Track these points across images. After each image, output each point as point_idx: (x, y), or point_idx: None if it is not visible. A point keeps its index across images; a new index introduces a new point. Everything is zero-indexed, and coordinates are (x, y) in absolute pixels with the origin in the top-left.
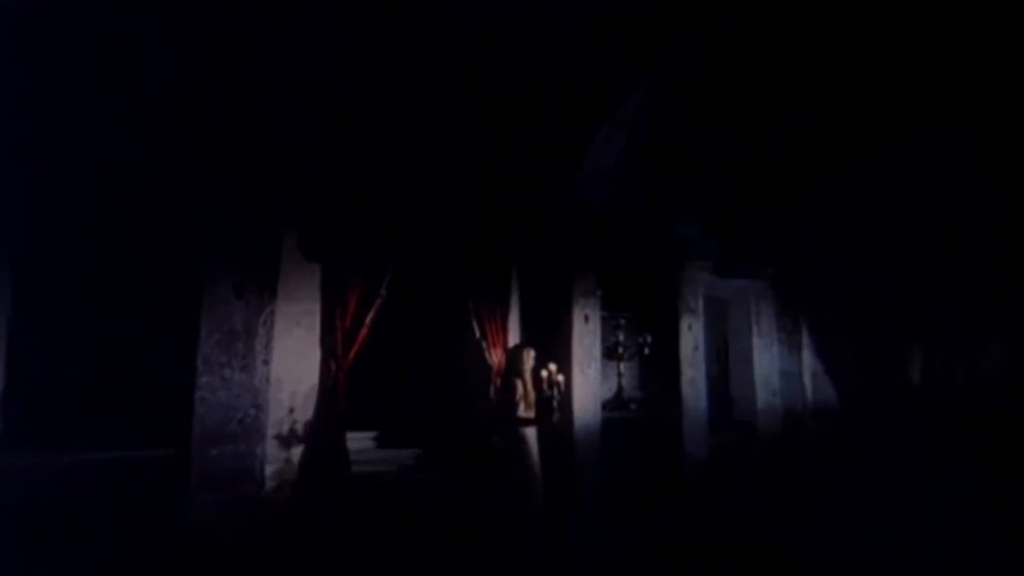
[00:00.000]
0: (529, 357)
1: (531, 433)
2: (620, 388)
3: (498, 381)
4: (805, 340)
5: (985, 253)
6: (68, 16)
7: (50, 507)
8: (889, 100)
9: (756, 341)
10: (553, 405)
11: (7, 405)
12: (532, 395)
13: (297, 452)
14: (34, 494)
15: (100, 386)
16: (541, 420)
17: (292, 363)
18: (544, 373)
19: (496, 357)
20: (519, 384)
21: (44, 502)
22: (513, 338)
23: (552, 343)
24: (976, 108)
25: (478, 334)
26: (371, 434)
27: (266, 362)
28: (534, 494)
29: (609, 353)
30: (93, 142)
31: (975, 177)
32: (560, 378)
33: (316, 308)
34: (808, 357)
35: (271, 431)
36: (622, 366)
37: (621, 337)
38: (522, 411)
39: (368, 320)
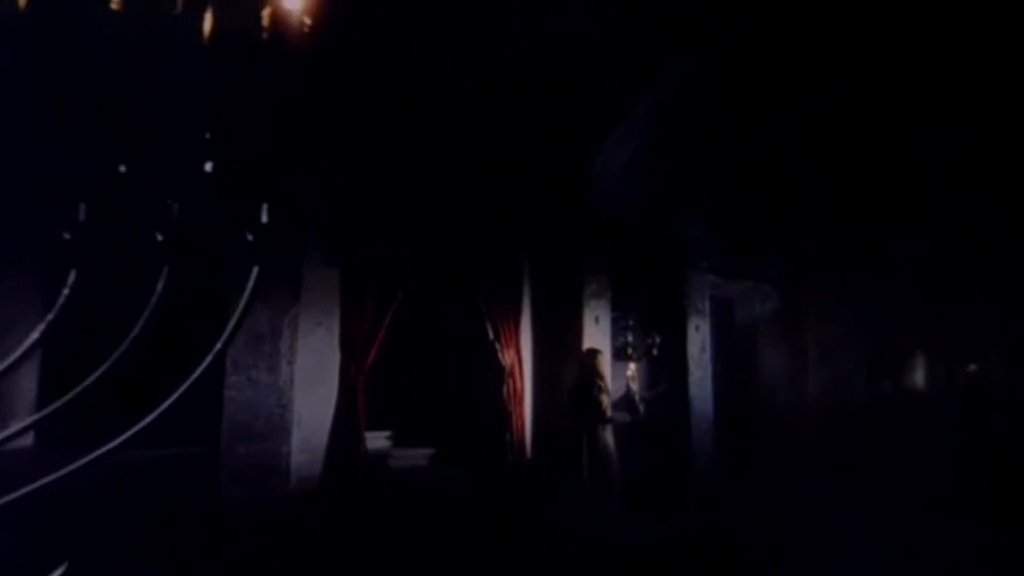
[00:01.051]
0: (605, 360)
1: (610, 431)
2: (629, 388)
3: (510, 382)
4: (809, 341)
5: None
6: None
7: (85, 502)
8: (895, 108)
9: (761, 341)
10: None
11: (42, 406)
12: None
13: (320, 449)
14: (70, 490)
15: (133, 386)
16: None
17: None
18: (629, 373)
19: (508, 358)
20: (603, 385)
21: (79, 497)
22: (526, 339)
23: (563, 344)
24: (977, 113)
25: (491, 335)
26: (386, 433)
27: (290, 363)
28: (616, 486)
29: (618, 353)
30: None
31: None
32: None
33: (336, 309)
34: (812, 358)
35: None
36: (631, 366)
37: (630, 338)
38: (611, 411)
39: (385, 322)
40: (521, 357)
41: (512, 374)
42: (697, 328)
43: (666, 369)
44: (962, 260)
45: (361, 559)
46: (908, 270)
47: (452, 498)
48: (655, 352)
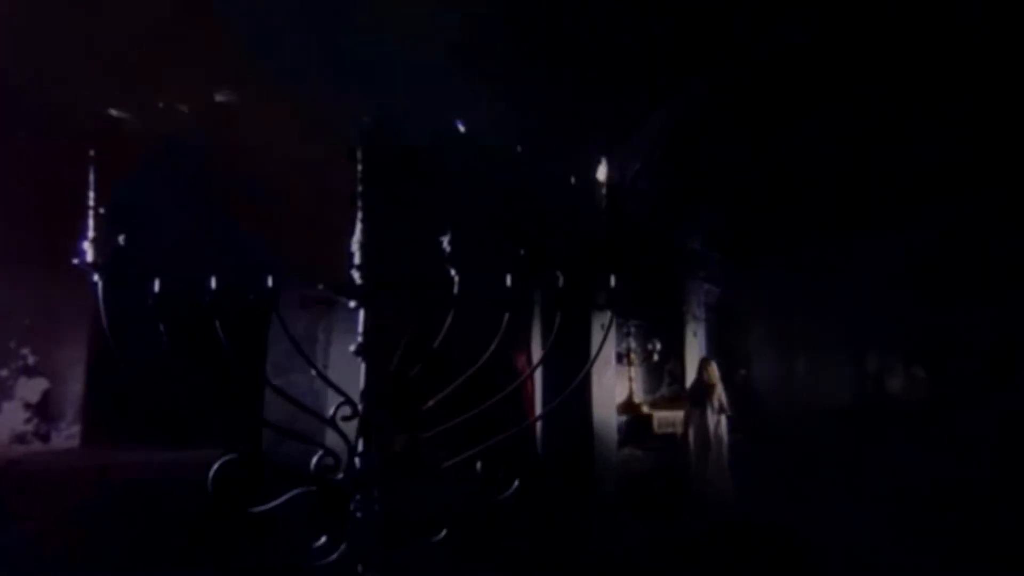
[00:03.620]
0: (715, 367)
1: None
2: (631, 392)
3: (522, 386)
4: (797, 347)
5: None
6: None
7: (139, 497)
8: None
9: (752, 348)
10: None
11: (88, 409)
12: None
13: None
14: (124, 486)
15: (181, 390)
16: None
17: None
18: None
19: (520, 363)
20: (719, 386)
21: (133, 493)
22: (536, 347)
23: (571, 349)
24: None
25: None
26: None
27: (324, 367)
28: (728, 466)
29: (620, 359)
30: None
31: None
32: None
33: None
34: (800, 364)
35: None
36: (632, 371)
37: (632, 343)
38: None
39: (406, 329)
40: (532, 362)
41: (523, 380)
42: (695, 334)
43: (666, 373)
44: (943, 270)
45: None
46: (891, 281)
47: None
48: (656, 357)
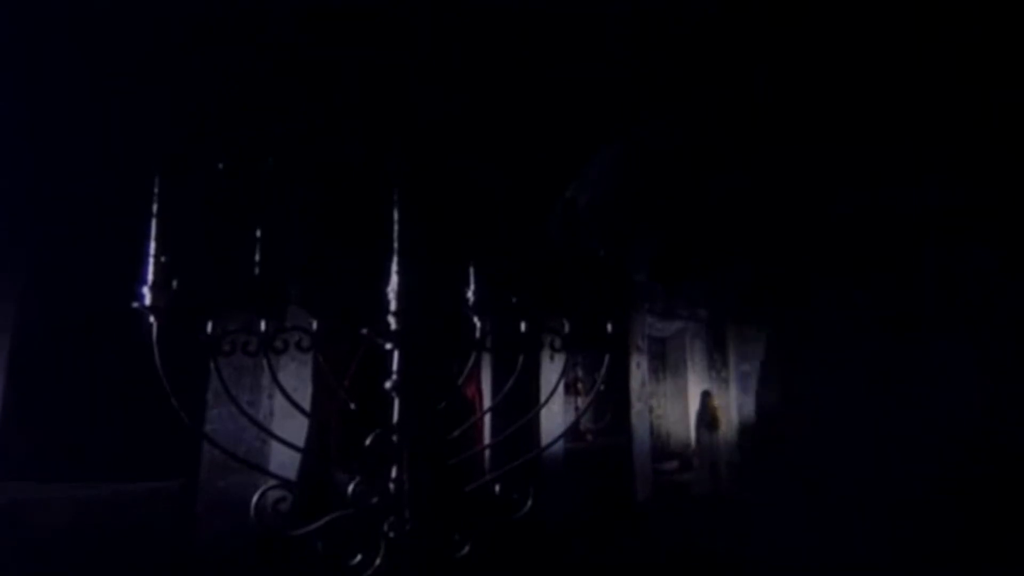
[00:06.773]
0: (715, 398)
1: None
2: (577, 420)
3: (471, 417)
4: (732, 376)
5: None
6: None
7: (63, 536)
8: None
9: (690, 377)
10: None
11: (5, 437)
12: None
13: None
14: (49, 524)
15: (112, 420)
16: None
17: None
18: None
19: (469, 393)
20: (720, 415)
21: (58, 531)
22: (486, 376)
23: (520, 381)
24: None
25: (453, 371)
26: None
27: (270, 396)
28: (723, 470)
29: (567, 388)
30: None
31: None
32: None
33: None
34: (734, 392)
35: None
36: (579, 400)
37: (580, 373)
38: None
39: (355, 359)
40: (482, 392)
41: (473, 409)
42: (638, 365)
43: (610, 402)
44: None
45: None
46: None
47: None
48: (601, 387)
